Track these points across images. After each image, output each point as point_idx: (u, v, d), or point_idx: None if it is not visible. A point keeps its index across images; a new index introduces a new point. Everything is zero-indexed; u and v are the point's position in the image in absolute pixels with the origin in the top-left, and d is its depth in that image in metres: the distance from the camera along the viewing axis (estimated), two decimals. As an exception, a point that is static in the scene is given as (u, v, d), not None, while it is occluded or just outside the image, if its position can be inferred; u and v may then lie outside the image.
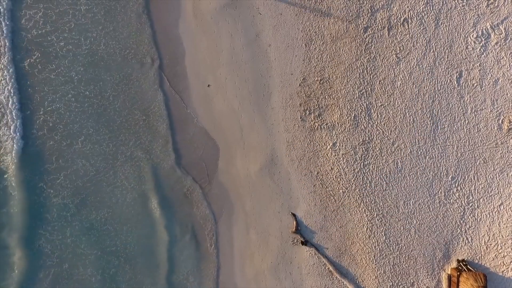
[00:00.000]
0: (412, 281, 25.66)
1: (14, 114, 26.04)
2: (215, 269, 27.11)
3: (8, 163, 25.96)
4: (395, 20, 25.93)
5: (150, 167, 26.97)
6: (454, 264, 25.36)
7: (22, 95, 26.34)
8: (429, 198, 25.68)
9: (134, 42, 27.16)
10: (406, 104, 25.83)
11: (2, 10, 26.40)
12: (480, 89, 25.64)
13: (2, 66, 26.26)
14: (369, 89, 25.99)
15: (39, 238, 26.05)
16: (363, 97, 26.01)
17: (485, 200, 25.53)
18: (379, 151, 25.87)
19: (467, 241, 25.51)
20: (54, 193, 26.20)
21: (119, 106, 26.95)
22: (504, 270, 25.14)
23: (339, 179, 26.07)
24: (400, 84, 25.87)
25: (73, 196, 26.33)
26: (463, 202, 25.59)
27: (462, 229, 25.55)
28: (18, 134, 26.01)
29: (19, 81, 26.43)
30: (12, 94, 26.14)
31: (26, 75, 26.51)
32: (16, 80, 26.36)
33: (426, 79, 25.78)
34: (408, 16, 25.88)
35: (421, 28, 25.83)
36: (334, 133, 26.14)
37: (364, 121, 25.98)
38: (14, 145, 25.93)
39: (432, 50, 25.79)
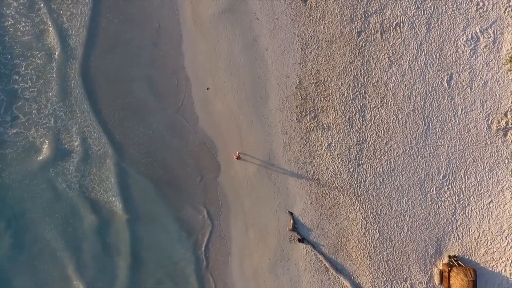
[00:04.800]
0: (405, 276, 26.45)
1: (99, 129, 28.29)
2: (214, 267, 27.81)
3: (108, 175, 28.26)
4: (388, 25, 26.68)
5: None
6: (445, 260, 26.14)
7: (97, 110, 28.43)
8: (421, 196, 26.46)
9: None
10: (398, 106, 26.60)
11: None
12: (470, 91, 26.38)
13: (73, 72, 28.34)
14: (363, 91, 26.75)
15: (141, 245, 28.03)
16: (357, 99, 26.78)
17: (475, 198, 26.31)
18: (372, 151, 26.65)
19: (458, 238, 26.29)
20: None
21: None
22: (494, 265, 25.94)
23: (334, 179, 26.83)
24: (392, 86, 26.64)
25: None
26: (454, 200, 26.38)
27: (453, 226, 26.33)
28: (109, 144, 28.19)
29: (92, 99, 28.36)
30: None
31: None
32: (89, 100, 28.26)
33: (418, 82, 26.53)
34: (400, 21, 26.63)
35: (413, 32, 26.58)
36: (329, 134, 26.88)
37: (358, 122, 26.75)
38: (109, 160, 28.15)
39: (423, 53, 26.54)
